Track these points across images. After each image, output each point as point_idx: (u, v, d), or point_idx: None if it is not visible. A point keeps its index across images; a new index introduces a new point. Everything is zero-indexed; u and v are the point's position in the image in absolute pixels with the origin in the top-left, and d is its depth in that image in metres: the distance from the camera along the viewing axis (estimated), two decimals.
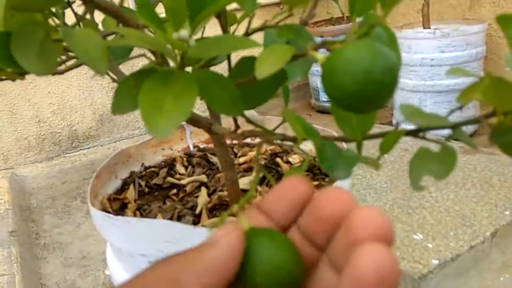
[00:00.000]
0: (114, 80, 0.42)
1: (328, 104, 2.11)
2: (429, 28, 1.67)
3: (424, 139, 0.28)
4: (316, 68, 2.17)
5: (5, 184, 1.60)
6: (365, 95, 0.20)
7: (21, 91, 1.75)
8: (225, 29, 0.30)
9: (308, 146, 0.65)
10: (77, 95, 1.87)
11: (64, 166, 1.78)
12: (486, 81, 0.21)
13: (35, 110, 1.80)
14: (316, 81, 2.15)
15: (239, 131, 0.43)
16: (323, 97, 2.16)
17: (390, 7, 0.20)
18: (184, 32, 0.23)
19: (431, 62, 1.58)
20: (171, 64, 0.27)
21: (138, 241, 0.43)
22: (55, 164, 1.80)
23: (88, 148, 1.93)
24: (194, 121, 0.47)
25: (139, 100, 0.22)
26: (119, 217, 0.43)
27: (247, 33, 0.29)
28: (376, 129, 0.27)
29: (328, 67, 0.20)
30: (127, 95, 0.26)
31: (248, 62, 0.28)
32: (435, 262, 0.86)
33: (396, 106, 1.82)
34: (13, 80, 0.29)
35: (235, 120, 0.42)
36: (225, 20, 0.30)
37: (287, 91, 0.36)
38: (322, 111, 2.20)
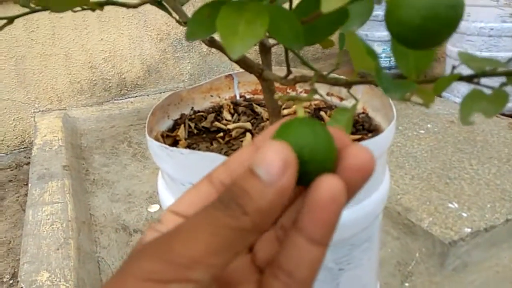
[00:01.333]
0: (177, 21, 0.45)
1: None
2: None
3: (479, 84, 0.29)
4: (364, 32, 2.11)
5: (59, 123, 1.72)
6: (428, 30, 0.21)
7: (76, 36, 1.83)
8: None
9: (352, 102, 0.66)
10: (127, 44, 1.93)
11: (112, 111, 1.87)
12: None
13: (87, 56, 1.88)
14: None
15: (290, 76, 0.46)
16: None
17: None
18: None
19: (490, 32, 1.50)
20: None
21: (189, 171, 0.47)
22: (104, 109, 1.90)
23: (135, 96, 2.02)
24: (247, 65, 0.50)
25: (217, 24, 0.24)
26: (174, 148, 0.47)
27: None
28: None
29: (393, 2, 0.22)
30: (201, 23, 0.29)
31: (310, 2, 0.30)
32: (468, 230, 0.87)
33: (447, 72, 1.76)
34: (93, 10, 0.32)
35: (288, 66, 0.43)
36: None
37: (343, 37, 0.37)
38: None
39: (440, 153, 1.22)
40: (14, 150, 1.83)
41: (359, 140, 0.56)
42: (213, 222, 0.18)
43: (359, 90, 0.66)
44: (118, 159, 1.51)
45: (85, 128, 1.80)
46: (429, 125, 1.41)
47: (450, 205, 0.96)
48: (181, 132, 0.62)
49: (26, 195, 1.46)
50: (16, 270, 1.12)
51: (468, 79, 0.29)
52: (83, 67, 1.89)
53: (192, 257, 0.17)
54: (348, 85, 0.37)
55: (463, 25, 1.57)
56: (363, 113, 0.64)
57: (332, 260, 0.52)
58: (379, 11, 2.01)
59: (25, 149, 1.84)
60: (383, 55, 2.05)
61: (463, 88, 1.65)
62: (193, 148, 0.59)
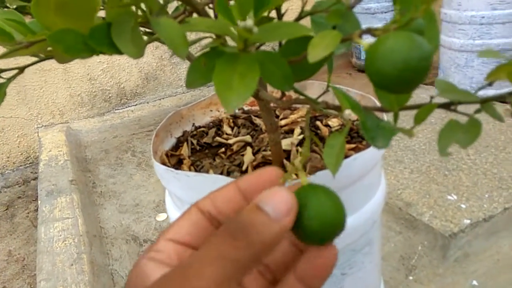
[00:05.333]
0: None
1: None
2: None
3: (455, 111, 0.31)
4: None
5: (62, 137, 1.75)
6: (402, 80, 0.24)
7: None
8: (280, 18, 0.34)
9: (347, 111, 0.69)
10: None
11: (114, 121, 1.90)
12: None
13: (86, 68, 1.90)
14: None
15: (284, 98, 0.48)
16: (364, 55, 2.13)
17: (430, 3, 0.23)
18: (249, 22, 0.27)
19: (481, 20, 1.51)
20: (233, 43, 0.31)
21: (194, 191, 0.50)
22: (106, 119, 1.93)
23: (135, 104, 2.04)
24: None
25: (214, 80, 0.27)
26: (180, 171, 0.49)
27: (300, 17, 0.33)
28: (419, 89, 0.31)
29: (371, 54, 0.24)
30: (199, 72, 0.31)
31: (296, 41, 0.33)
32: (467, 221, 0.89)
33: (441, 66, 1.78)
34: (110, 54, 0.35)
35: None
36: (280, 10, 0.33)
37: (331, 62, 0.40)
38: (362, 70, 2.17)
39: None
40: (20, 166, 1.86)
41: (354, 149, 0.58)
42: (221, 254, 0.20)
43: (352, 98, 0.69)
44: (124, 169, 1.54)
45: (88, 140, 1.83)
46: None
47: (449, 197, 0.99)
48: (185, 151, 0.64)
49: (35, 210, 1.50)
50: (32, 286, 1.16)
51: (446, 106, 0.31)
52: (82, 80, 1.91)
53: None
54: (338, 109, 0.39)
55: (455, 14, 1.58)
56: (357, 120, 0.67)
57: None
58: (371, 4, 2.02)
59: (31, 164, 1.87)
60: None
61: (458, 77, 1.67)
62: (197, 166, 0.62)
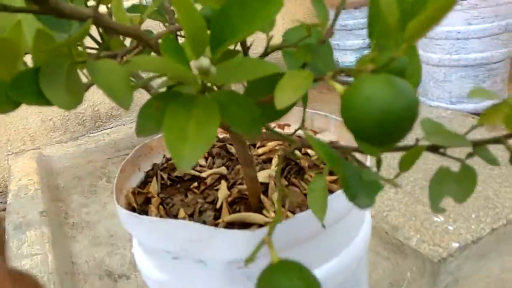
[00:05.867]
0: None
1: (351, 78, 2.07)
2: None
3: (444, 155, 0.28)
4: (336, 42, 2.12)
5: (33, 165, 1.66)
6: (382, 132, 0.20)
7: None
8: (245, 52, 0.30)
9: (327, 137, 0.65)
10: None
11: (88, 145, 1.83)
12: (507, 109, 0.21)
13: None
14: (336, 55, 2.11)
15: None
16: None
17: (413, 40, 0.19)
18: (205, 61, 0.23)
19: (458, 35, 1.52)
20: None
21: (161, 238, 0.44)
22: (80, 144, 1.85)
23: (111, 127, 1.97)
24: None
25: (164, 130, 0.22)
26: (144, 217, 0.44)
27: (266, 53, 0.29)
28: None
29: (346, 101, 0.20)
30: (151, 117, 0.27)
31: (264, 78, 0.28)
32: (456, 245, 0.86)
33: (421, 84, 1.77)
34: (39, 105, 0.30)
35: None
36: (245, 42, 0.29)
37: (306, 98, 0.36)
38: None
39: (421, 163, 1.22)
40: None
41: (335, 182, 0.54)
42: None
43: (332, 124, 0.65)
44: (98, 197, 1.46)
45: (61, 166, 1.75)
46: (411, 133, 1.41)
47: (435, 218, 0.96)
48: (153, 187, 0.59)
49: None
50: None
51: (434, 149, 0.28)
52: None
53: None
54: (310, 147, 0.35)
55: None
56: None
57: None
58: (348, 21, 2.02)
59: (1, 194, 1.78)
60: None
61: (437, 91, 1.67)
62: (167, 204, 0.57)
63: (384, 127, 0.19)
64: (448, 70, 1.61)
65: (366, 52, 2.03)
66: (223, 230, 0.40)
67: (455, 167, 0.28)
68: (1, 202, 1.73)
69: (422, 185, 1.11)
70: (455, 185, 0.24)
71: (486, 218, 0.94)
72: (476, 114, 1.56)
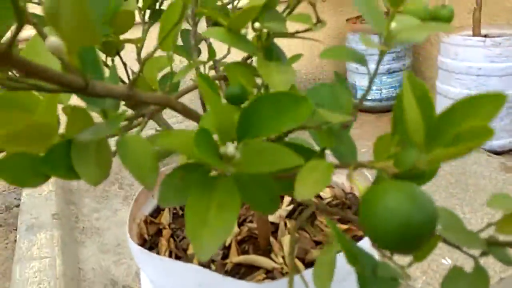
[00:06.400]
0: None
1: (367, 103, 2.07)
2: (479, 34, 1.58)
3: (458, 249, 0.28)
4: (355, 65, 2.12)
5: None
6: (399, 242, 0.20)
7: None
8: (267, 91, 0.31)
9: (340, 178, 0.65)
10: None
11: None
12: None
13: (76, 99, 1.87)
14: (354, 78, 2.11)
15: None
16: (360, 95, 2.12)
17: (437, 164, 0.20)
18: (230, 148, 0.24)
19: (478, 72, 1.51)
20: None
21: (170, 278, 0.46)
22: None
23: None
24: None
25: (186, 212, 0.23)
26: (154, 255, 0.45)
27: (280, 137, 0.30)
28: None
29: (367, 205, 0.21)
30: (174, 187, 0.28)
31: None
32: None
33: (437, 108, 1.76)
34: (69, 180, 0.31)
35: None
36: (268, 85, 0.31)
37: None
38: (359, 109, 2.16)
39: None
40: (4, 191, 1.81)
41: (346, 230, 0.55)
42: None
43: (344, 173, 0.65)
44: (109, 203, 1.49)
45: None
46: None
47: (443, 261, 0.95)
48: (165, 218, 0.61)
49: (15, 241, 1.43)
50: None
51: (449, 242, 0.28)
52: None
53: None
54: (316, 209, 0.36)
55: (451, 63, 1.58)
56: (350, 193, 0.63)
57: None
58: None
59: (14, 189, 1.82)
60: (374, 87, 2.06)
61: None
62: (178, 236, 0.58)
63: (402, 238, 0.20)
64: None
65: (384, 78, 2.03)
66: (231, 279, 0.41)
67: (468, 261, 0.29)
68: (15, 199, 1.77)
69: None
70: (467, 286, 0.24)
71: (494, 266, 0.93)
72: (492, 151, 1.54)
